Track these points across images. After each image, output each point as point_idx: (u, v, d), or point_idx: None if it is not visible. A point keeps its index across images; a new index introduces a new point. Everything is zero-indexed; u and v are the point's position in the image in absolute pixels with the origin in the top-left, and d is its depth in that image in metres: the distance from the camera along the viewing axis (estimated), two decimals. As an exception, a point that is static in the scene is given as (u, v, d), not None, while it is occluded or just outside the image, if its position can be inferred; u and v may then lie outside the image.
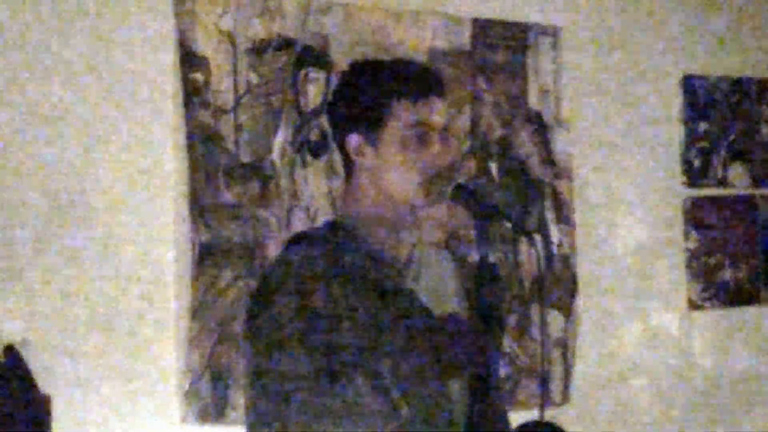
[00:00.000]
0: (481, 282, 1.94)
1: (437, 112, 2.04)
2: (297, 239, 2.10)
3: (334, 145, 2.17)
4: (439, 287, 2.13)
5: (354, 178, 2.08)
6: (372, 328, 1.95)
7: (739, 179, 4.43)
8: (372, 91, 2.04)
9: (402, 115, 2.02)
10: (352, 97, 2.07)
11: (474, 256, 2.07)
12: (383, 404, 1.90)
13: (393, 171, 2.03)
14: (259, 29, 3.42)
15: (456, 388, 2.06)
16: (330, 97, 2.14)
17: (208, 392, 3.28)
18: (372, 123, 2.03)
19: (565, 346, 3.97)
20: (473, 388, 2.07)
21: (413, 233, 2.09)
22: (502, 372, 3.79)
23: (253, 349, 1.97)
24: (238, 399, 3.30)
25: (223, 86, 3.35)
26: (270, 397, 1.94)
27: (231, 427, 3.28)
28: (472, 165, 3.80)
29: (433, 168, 2.02)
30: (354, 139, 2.05)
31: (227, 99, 3.36)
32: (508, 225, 2.02)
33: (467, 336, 1.95)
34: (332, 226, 2.10)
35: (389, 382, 1.91)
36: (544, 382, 3.90)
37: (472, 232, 3.54)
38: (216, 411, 3.28)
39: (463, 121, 3.79)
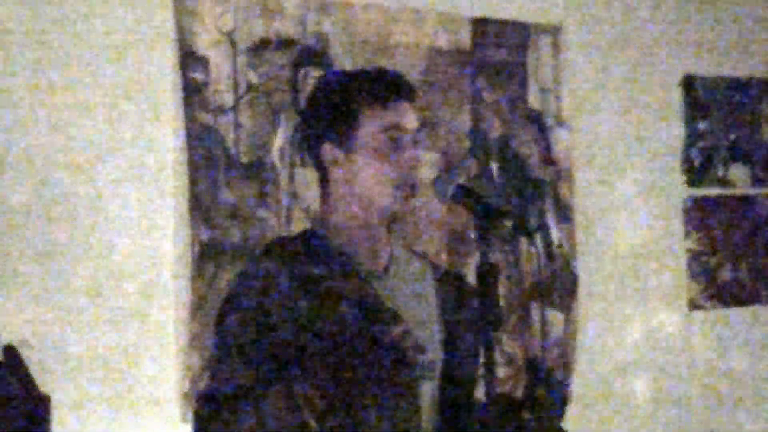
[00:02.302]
0: (481, 282, 1.94)
1: (407, 116, 2.05)
2: (269, 249, 2.11)
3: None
4: (415, 299, 2.12)
5: (329, 188, 2.09)
6: (339, 341, 1.95)
7: (739, 179, 4.43)
8: (341, 99, 2.05)
9: (372, 121, 2.03)
10: (323, 107, 2.08)
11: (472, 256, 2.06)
12: (294, 421, 1.91)
13: (367, 177, 2.04)
14: (259, 29, 3.42)
15: (426, 396, 2.07)
16: (302, 110, 2.16)
17: (208, 392, 3.28)
18: (343, 131, 2.04)
19: (565, 346, 3.97)
20: (447, 398, 2.09)
21: (390, 242, 2.10)
22: (502, 372, 3.79)
23: (212, 355, 2.02)
24: (238, 399, 3.30)
25: (223, 86, 3.35)
26: (212, 401, 1.98)
27: (231, 427, 3.28)
28: (472, 165, 3.80)
29: (407, 172, 2.03)
30: (327, 148, 2.06)
31: (227, 99, 3.36)
32: (508, 225, 2.02)
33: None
34: (308, 235, 2.10)
35: (305, 400, 1.92)
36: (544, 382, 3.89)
37: (472, 233, 3.54)
38: (216, 411, 3.28)
39: (463, 121, 3.79)
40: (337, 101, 2.05)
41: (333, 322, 1.97)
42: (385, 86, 2.05)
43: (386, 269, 2.09)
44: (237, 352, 1.98)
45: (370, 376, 1.92)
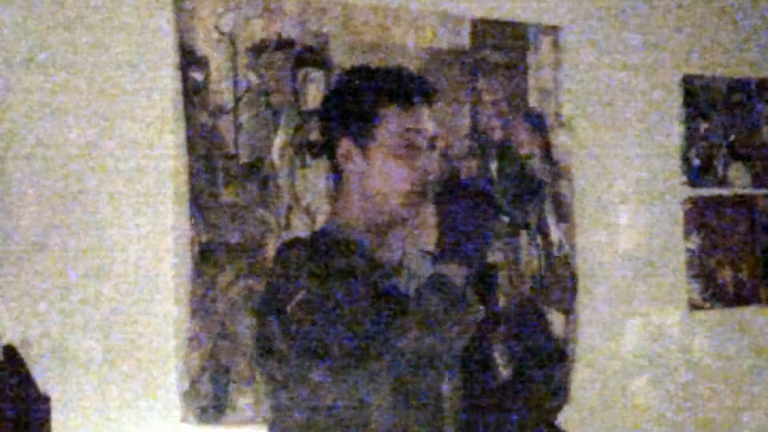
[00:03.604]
0: (480, 283, 1.95)
1: (426, 120, 2.05)
2: (289, 244, 2.11)
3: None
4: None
5: (343, 185, 2.09)
6: (372, 327, 1.94)
7: (739, 179, 4.43)
8: (363, 98, 2.05)
9: (392, 123, 2.03)
10: (343, 103, 2.07)
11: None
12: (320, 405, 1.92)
13: (381, 178, 2.04)
14: (259, 29, 3.42)
15: (448, 386, 2.07)
16: (321, 104, 2.15)
17: (208, 392, 3.28)
18: (362, 130, 2.04)
19: (565, 346, 3.97)
20: (467, 384, 2.08)
21: (402, 239, 2.10)
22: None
23: (296, 335, 1.96)
24: (238, 399, 3.30)
25: (223, 86, 3.35)
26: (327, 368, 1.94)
27: (231, 427, 3.29)
28: (472, 165, 3.80)
29: (422, 175, 2.03)
30: (344, 146, 2.06)
31: (227, 99, 3.36)
32: (506, 220, 2.02)
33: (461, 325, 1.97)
34: (322, 233, 2.10)
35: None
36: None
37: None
38: (216, 411, 3.28)
39: (463, 121, 3.79)
40: (359, 98, 2.05)
41: (359, 313, 1.95)
42: (407, 89, 2.05)
43: (401, 264, 2.10)
44: (328, 318, 1.93)
45: (394, 365, 1.92)
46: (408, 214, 2.05)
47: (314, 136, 3.46)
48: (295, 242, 2.11)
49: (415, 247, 2.24)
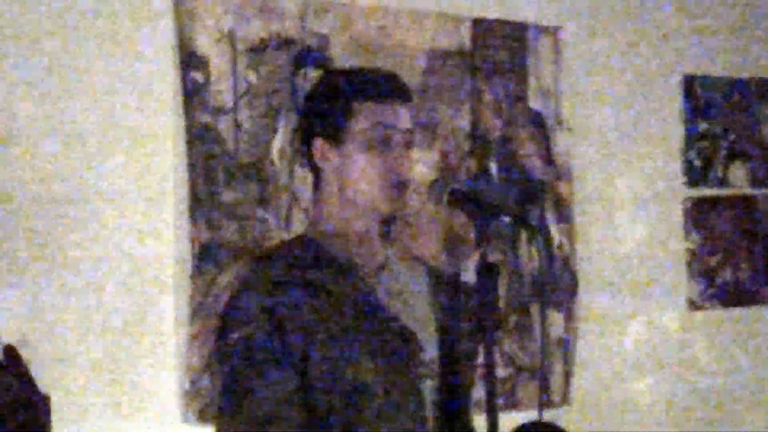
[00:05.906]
0: (480, 282, 1.95)
1: (400, 115, 2.05)
2: (262, 259, 2.10)
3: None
4: (410, 303, 2.12)
5: (321, 187, 2.08)
6: (345, 343, 1.95)
7: (739, 179, 4.43)
8: (336, 95, 2.05)
9: (365, 117, 2.03)
10: (317, 102, 2.08)
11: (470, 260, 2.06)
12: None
13: (356, 173, 2.03)
14: (258, 29, 3.42)
15: (428, 395, 2.07)
16: (302, 108, 2.17)
17: (208, 392, 3.28)
18: (336, 125, 2.04)
19: (565, 346, 3.97)
20: (445, 398, 2.10)
21: (384, 244, 2.10)
22: (503, 372, 3.79)
23: (226, 374, 1.98)
24: (238, 399, 3.29)
25: (222, 86, 3.35)
26: (246, 420, 1.95)
27: (231, 427, 3.28)
28: (472, 165, 3.80)
29: (397, 171, 2.03)
30: (319, 144, 2.06)
31: (227, 99, 3.36)
32: (508, 219, 2.03)
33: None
34: (300, 241, 2.10)
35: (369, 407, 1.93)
36: (544, 382, 3.90)
37: (472, 233, 3.54)
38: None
39: (463, 121, 3.79)
40: (332, 97, 2.06)
41: (335, 324, 1.97)
42: (379, 84, 2.05)
43: (381, 268, 2.09)
44: (270, 365, 1.93)
45: (375, 375, 1.93)
46: (386, 208, 2.04)
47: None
48: (266, 257, 2.10)
49: (401, 250, 2.24)
